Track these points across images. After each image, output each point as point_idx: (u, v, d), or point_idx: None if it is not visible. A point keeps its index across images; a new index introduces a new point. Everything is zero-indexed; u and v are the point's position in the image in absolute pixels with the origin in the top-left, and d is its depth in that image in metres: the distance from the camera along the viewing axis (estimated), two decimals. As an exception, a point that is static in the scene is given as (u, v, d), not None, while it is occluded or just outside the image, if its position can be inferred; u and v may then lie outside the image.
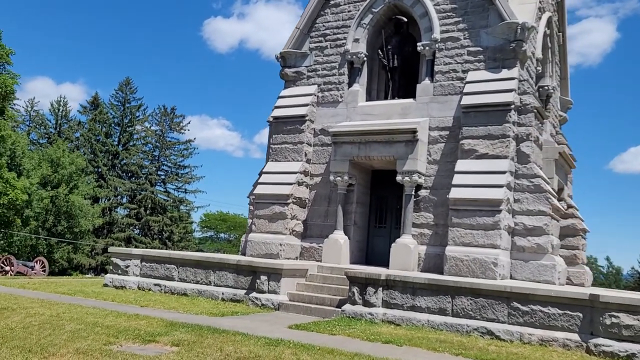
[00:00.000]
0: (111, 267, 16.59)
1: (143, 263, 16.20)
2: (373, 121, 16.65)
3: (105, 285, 16.37)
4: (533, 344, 10.76)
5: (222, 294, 14.53)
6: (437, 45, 16.29)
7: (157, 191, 70.12)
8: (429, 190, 15.78)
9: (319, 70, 18.19)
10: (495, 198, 13.86)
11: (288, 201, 16.83)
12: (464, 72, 15.78)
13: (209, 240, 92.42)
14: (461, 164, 14.88)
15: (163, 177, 72.87)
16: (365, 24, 17.61)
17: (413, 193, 15.69)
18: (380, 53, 17.61)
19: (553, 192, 15.19)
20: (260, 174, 18.11)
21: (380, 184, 17.46)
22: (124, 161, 71.18)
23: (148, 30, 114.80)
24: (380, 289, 12.51)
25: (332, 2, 18.37)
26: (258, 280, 14.06)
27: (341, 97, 17.66)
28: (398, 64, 17.46)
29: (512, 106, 14.56)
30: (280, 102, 18.42)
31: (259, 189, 17.55)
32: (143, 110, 74.28)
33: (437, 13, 16.43)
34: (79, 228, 57.43)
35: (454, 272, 14.00)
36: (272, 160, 18.05)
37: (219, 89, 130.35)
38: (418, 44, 16.64)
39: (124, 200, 70.85)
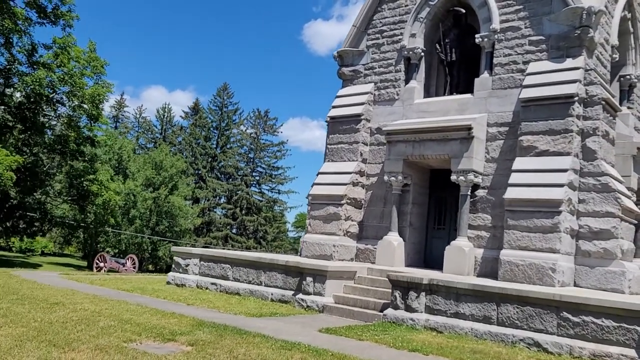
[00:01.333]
0: (173, 266, 17.21)
1: (202, 262, 16.64)
2: (429, 118, 16.00)
3: (168, 283, 17.01)
4: (584, 358, 9.78)
5: (272, 294, 14.57)
6: (496, 36, 15.35)
7: (252, 192, 72.44)
8: (486, 190, 14.90)
9: (376, 68, 17.78)
10: (555, 198, 12.79)
11: (342, 202, 16.60)
12: (525, 63, 14.74)
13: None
14: (519, 162, 13.91)
15: (258, 178, 75.22)
16: (422, 17, 16.98)
17: (469, 193, 14.88)
18: (438, 47, 16.90)
19: (627, 191, 13.79)
20: (317, 175, 18.02)
21: (439, 184, 16.73)
22: (222, 163, 74.31)
23: (250, 36, 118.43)
24: (423, 293, 11.94)
25: (389, -2, 17.92)
26: (304, 282, 13.96)
27: (397, 94, 17.15)
28: (457, 58, 16.67)
29: (576, 98, 13.37)
30: (337, 101, 18.23)
31: (314, 190, 17.46)
32: (239, 114, 77.30)
33: (497, 2, 15.47)
34: (179, 227, 60.54)
35: (508, 278, 13.10)
36: (328, 161, 17.90)
37: (319, 90, 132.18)
38: (476, 35, 15.78)
39: (222, 200, 73.97)
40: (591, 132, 13.46)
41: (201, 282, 16.30)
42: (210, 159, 73.89)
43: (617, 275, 12.61)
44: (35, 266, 34.61)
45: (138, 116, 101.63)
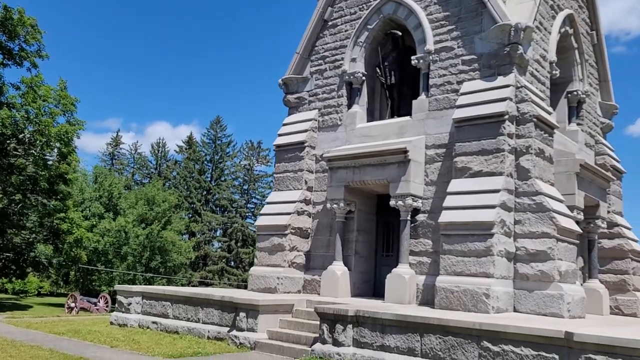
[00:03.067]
0: (117, 305, 16.72)
1: (144, 300, 16.12)
2: (370, 143, 15.64)
3: (111, 323, 16.47)
4: (504, 391, 9.20)
5: (208, 332, 14.01)
6: (431, 57, 15.07)
7: (247, 224, 71.86)
8: (427, 215, 14.43)
9: (319, 94, 17.51)
10: (486, 220, 12.30)
11: (286, 232, 16.14)
12: (459, 83, 14.43)
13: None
14: (454, 184, 13.47)
15: (252, 209, 74.75)
16: (361, 42, 16.75)
17: (409, 218, 14.42)
18: (378, 71, 16.65)
19: (567, 210, 13.28)
20: (265, 205, 17.62)
21: (386, 210, 16.20)
22: (216, 196, 74.09)
23: (248, 66, 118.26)
24: (350, 326, 11.39)
25: (330, 23, 17.72)
26: (237, 317, 13.42)
27: (340, 120, 16.83)
28: (396, 81, 16.41)
29: (506, 116, 13.00)
30: (282, 129, 17.92)
31: (259, 221, 17.05)
32: (233, 146, 77.36)
33: (430, 23, 15.24)
34: (173, 262, 60.06)
35: (444, 305, 12.54)
36: (275, 190, 17.51)
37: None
38: (412, 57, 15.50)
39: (218, 233, 73.48)
40: (524, 150, 13.04)
41: (143, 322, 15.76)
42: (204, 192, 73.67)
43: (555, 299, 12.04)
44: (25, 308, 34.02)
45: (133, 152, 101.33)
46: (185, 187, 73.28)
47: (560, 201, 13.30)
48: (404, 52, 16.45)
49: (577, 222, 15.02)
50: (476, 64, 14.21)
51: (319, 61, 17.72)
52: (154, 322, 15.46)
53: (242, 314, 13.35)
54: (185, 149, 78.54)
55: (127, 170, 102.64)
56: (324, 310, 11.79)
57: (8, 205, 30.70)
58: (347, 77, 16.82)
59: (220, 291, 16.35)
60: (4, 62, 28.52)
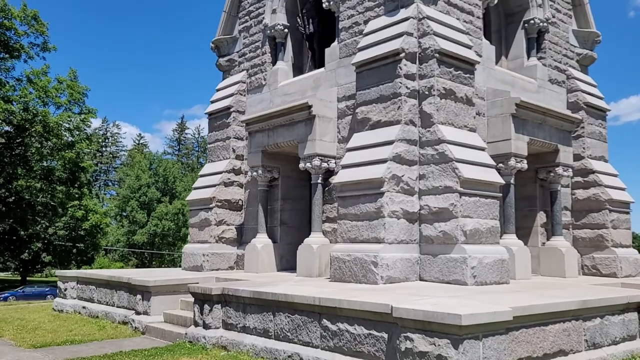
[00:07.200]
0: (57, 291, 16.41)
1: (78, 285, 15.67)
2: (289, 101, 14.10)
3: (53, 309, 16.20)
4: (338, 378, 7.73)
5: (119, 315, 13.27)
6: (340, -4, 13.25)
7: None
8: (340, 176, 12.78)
9: (247, 54, 16.08)
10: (374, 177, 10.57)
11: (211, 205, 15.03)
12: (366, 23, 12.55)
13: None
14: (354, 139, 11.77)
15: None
16: (280, -10, 15.12)
17: (319, 181, 12.88)
18: (299, 20, 14.97)
19: (486, 159, 11.21)
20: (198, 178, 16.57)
21: (318, 174, 14.71)
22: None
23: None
24: (218, 305, 10.22)
25: (252, -26, 16.17)
26: (136, 300, 12.60)
27: (264, 79, 15.37)
28: (315, 29, 14.68)
29: (402, 54, 11.07)
30: (214, 95, 16.70)
31: (190, 195, 16.03)
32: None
33: (338, -42, 13.35)
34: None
35: (338, 277, 11.02)
36: (208, 162, 16.41)
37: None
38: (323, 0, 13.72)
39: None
40: (426, 92, 11.07)
41: (76, 307, 15.30)
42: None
43: (458, 264, 10.20)
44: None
45: (197, 136, 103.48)
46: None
47: (480, 149, 11.24)
48: (322, -3, 14.64)
49: (537, 172, 13.17)
50: (380, -2, 12.26)
51: (246, 17, 16.25)
52: (84, 307, 14.97)
53: (138, 296, 12.49)
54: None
55: (193, 154, 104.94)
56: (194, 290, 10.66)
57: (33, 196, 31.63)
58: (269, 32, 15.27)
59: (131, 272, 15.57)
60: (3, 55, 29.04)
